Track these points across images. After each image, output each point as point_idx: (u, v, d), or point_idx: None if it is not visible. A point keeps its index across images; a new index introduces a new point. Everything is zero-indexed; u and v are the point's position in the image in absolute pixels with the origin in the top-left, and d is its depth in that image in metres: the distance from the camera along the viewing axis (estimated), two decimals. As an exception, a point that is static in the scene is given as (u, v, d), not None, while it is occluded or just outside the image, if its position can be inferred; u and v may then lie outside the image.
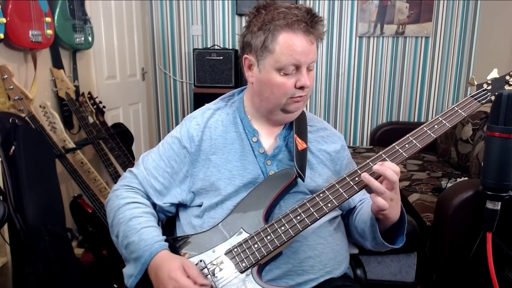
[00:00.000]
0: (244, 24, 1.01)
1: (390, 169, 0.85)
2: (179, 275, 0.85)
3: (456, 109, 0.92)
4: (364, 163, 0.91)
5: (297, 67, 0.95)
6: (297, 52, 0.92)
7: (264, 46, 0.94)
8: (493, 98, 0.88)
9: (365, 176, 0.87)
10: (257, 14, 0.97)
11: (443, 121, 0.91)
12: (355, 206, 1.12)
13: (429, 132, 0.90)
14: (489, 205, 0.83)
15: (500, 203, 0.82)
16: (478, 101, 0.92)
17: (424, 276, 1.97)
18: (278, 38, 0.93)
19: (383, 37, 3.39)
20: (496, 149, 0.80)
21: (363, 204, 1.09)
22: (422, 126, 0.92)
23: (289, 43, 0.92)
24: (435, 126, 0.91)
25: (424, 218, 1.94)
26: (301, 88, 0.96)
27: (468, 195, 1.69)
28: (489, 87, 0.93)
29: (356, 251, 1.21)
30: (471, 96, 0.93)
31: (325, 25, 0.98)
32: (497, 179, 0.80)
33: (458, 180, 2.21)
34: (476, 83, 0.95)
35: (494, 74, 0.94)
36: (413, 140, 0.90)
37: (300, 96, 0.98)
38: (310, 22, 0.92)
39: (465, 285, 1.79)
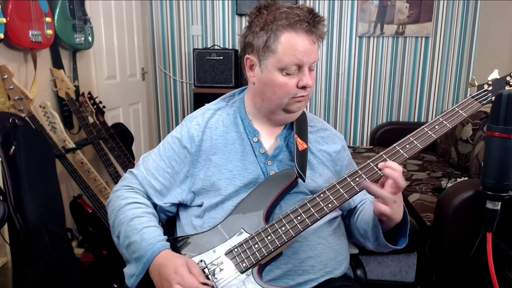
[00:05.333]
0: (244, 24, 1.01)
1: (397, 170, 0.86)
2: (185, 272, 0.85)
3: (457, 109, 0.92)
4: (365, 163, 0.91)
5: (299, 67, 0.95)
6: (300, 51, 0.93)
7: (266, 46, 0.94)
8: (493, 98, 0.88)
9: (366, 185, 0.87)
10: (258, 14, 0.97)
11: (443, 121, 0.91)
12: (356, 206, 1.11)
13: (430, 133, 0.90)
14: (489, 205, 0.83)
15: (500, 203, 0.82)
16: (479, 101, 0.92)
17: (424, 276, 1.97)
18: (281, 38, 0.93)
19: (383, 37, 3.39)
20: (496, 149, 0.80)
21: (365, 204, 1.09)
22: (422, 126, 0.92)
23: (292, 42, 0.92)
24: (436, 127, 0.91)
25: (424, 218, 1.94)
26: (303, 88, 0.96)
27: (468, 195, 1.69)
28: (490, 88, 0.93)
29: (356, 251, 1.21)
30: (472, 97, 0.93)
31: (326, 25, 0.98)
32: (497, 179, 0.80)
33: (458, 180, 2.21)
34: (477, 84, 0.95)
35: (495, 74, 0.94)
36: (414, 141, 0.91)
37: (302, 96, 0.98)
38: (312, 22, 0.93)
39: (465, 285, 1.79)
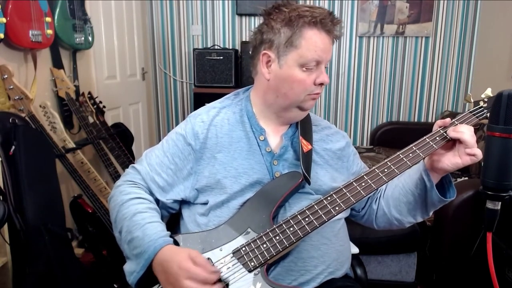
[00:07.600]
0: (244, 24, 1.02)
1: (466, 132, 0.90)
2: (190, 265, 0.84)
3: (457, 123, 0.96)
4: (370, 169, 0.96)
5: (318, 64, 0.97)
6: (321, 48, 0.96)
7: (290, 42, 0.96)
8: (489, 115, 0.90)
9: (454, 132, 0.91)
10: (278, 11, 0.98)
11: (444, 133, 0.94)
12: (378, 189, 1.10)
13: (432, 144, 0.94)
14: (489, 205, 0.83)
15: (500, 203, 0.82)
16: (476, 116, 0.98)
17: (424, 276, 1.97)
18: (305, 34, 0.95)
19: (383, 37, 3.39)
20: (496, 149, 0.80)
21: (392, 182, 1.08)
22: (424, 137, 0.95)
23: (315, 39, 0.95)
24: (437, 138, 0.94)
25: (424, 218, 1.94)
26: (320, 84, 0.99)
27: (468, 195, 1.69)
28: (485, 105, 0.99)
29: (356, 250, 1.21)
30: (470, 112, 0.99)
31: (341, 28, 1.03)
32: (497, 179, 0.80)
33: (458, 180, 2.21)
34: (472, 101, 1.01)
35: (488, 92, 1.00)
36: (417, 150, 0.94)
37: (317, 93, 1.00)
38: (333, 22, 0.97)
39: (465, 285, 1.79)
